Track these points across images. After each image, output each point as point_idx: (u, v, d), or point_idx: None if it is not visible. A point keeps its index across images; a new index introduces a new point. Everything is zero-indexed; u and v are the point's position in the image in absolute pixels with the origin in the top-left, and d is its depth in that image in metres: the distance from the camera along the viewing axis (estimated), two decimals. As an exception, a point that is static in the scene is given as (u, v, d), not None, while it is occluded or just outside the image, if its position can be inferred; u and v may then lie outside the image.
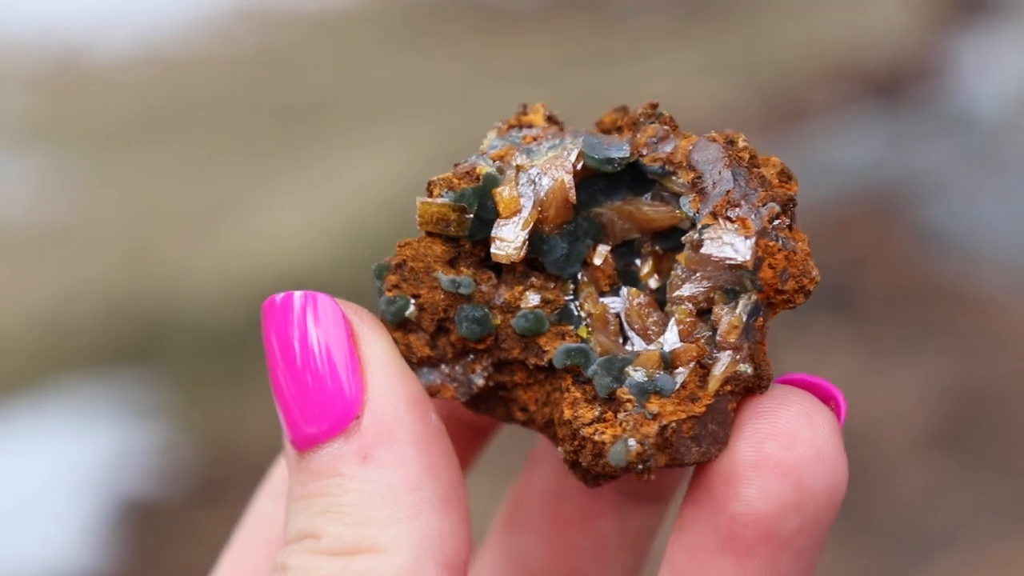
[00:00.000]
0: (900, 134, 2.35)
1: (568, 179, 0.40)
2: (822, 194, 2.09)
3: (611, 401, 0.40)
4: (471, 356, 0.41)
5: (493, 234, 0.40)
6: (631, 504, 0.47)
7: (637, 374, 0.39)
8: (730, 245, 0.39)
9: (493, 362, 0.41)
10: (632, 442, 0.38)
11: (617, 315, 0.41)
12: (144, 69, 2.94)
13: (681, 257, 0.40)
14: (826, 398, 0.41)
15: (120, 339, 1.91)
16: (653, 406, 0.39)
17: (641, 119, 0.41)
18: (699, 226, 0.40)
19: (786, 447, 0.38)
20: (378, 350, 0.39)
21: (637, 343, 0.41)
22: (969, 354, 1.76)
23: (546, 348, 0.41)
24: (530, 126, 0.42)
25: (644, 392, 0.39)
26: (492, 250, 0.40)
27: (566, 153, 0.40)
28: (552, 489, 0.48)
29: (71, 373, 1.83)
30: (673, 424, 0.39)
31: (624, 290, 0.41)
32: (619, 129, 0.42)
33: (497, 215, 0.40)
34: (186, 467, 1.67)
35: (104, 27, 3.10)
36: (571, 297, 0.41)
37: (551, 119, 0.42)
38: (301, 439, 0.39)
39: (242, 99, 2.75)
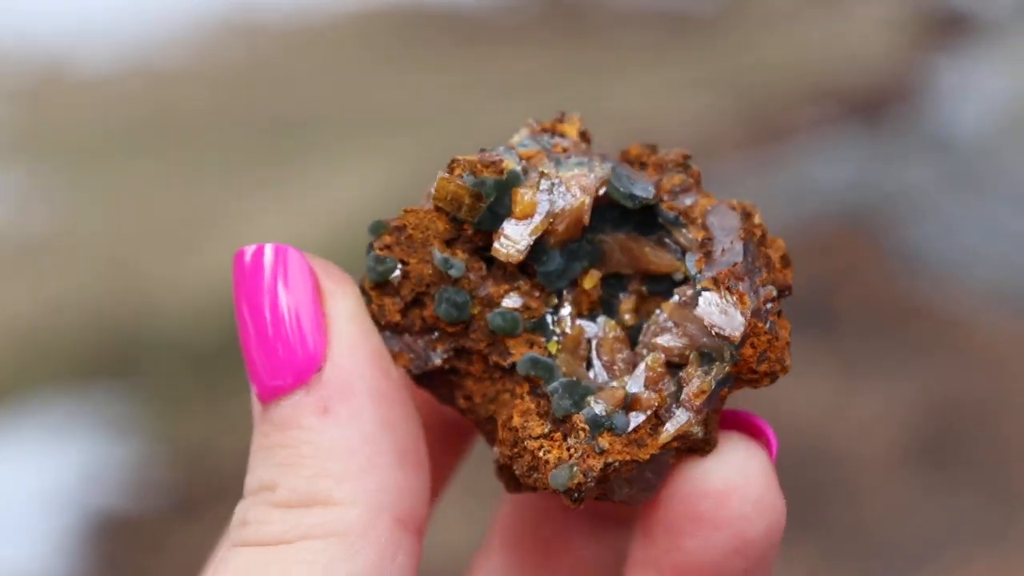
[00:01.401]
0: (879, 154, 2.36)
1: (588, 201, 0.41)
2: (801, 213, 2.10)
3: (563, 423, 0.40)
4: (436, 334, 0.42)
5: (500, 230, 0.40)
6: (607, 527, 0.47)
7: (597, 407, 0.40)
8: (724, 315, 0.39)
9: (455, 347, 0.42)
10: (576, 469, 0.39)
11: (588, 341, 0.42)
12: (127, 82, 2.93)
13: (667, 306, 0.41)
14: (756, 434, 0.41)
15: (98, 353, 1.91)
16: (604, 441, 0.39)
17: (670, 165, 0.42)
18: (698, 286, 0.40)
19: (721, 504, 0.39)
20: (343, 306, 0.40)
21: (600, 374, 0.41)
22: (945, 373, 1.77)
23: (512, 351, 0.41)
24: (563, 135, 0.42)
25: (599, 425, 0.40)
26: (495, 245, 0.40)
27: (593, 176, 0.41)
28: (533, 512, 0.48)
29: (48, 386, 1.83)
30: (616, 463, 0.39)
31: (602, 319, 0.42)
32: (643, 165, 0.43)
33: (510, 213, 0.40)
34: (162, 481, 1.67)
35: (87, 39, 3.09)
36: (551, 311, 0.42)
37: (583, 135, 0.43)
38: (266, 391, 0.39)
39: (225, 112, 2.75)
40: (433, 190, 0.40)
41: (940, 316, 1.88)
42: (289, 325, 0.39)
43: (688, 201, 0.42)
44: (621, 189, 0.41)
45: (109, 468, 1.68)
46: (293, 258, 0.40)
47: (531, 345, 0.41)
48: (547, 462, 0.39)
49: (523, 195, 0.40)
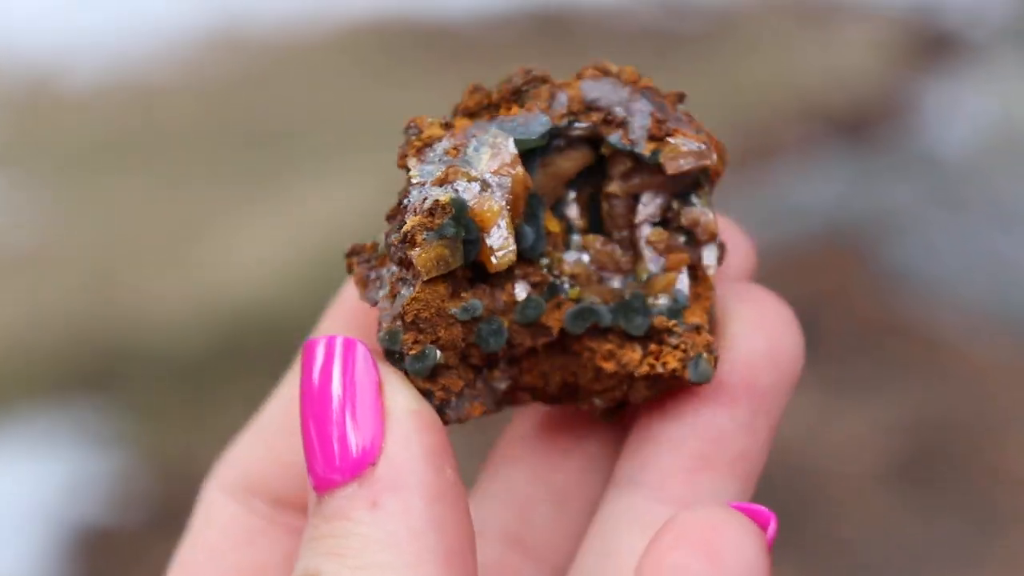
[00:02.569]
0: (866, 174, 2.36)
1: (521, 170, 0.41)
2: (787, 232, 2.10)
3: (650, 336, 0.41)
4: (486, 368, 0.42)
5: (488, 248, 0.41)
6: (616, 426, 0.49)
7: (662, 300, 0.41)
8: (694, 156, 0.42)
9: (507, 362, 0.42)
10: (704, 356, 0.41)
11: (588, 265, 0.43)
12: (114, 95, 2.93)
13: (617, 189, 0.43)
14: None
15: (80, 365, 1.90)
16: (692, 319, 0.41)
17: (524, 87, 0.43)
18: (648, 152, 0.42)
19: (759, 300, 0.44)
20: (402, 399, 0.40)
21: (616, 281, 0.42)
22: (929, 394, 1.77)
23: (549, 324, 0.42)
24: (437, 139, 0.42)
25: (676, 312, 0.41)
26: (493, 262, 0.41)
27: (503, 148, 0.41)
28: (537, 424, 0.49)
29: (30, 398, 1.82)
30: (707, 327, 0.42)
31: (577, 239, 0.43)
32: (496, 106, 0.43)
33: (479, 230, 0.41)
34: (144, 494, 1.66)
35: (74, 53, 3.09)
36: (549, 271, 0.43)
37: (445, 124, 0.43)
38: (320, 483, 0.40)
39: (212, 126, 2.75)
40: (420, 268, 0.40)
41: (925, 336, 1.89)
42: (347, 418, 0.40)
43: (564, 100, 0.43)
44: (530, 137, 0.42)
45: (91, 481, 1.67)
46: (359, 351, 0.40)
47: (559, 307, 0.42)
48: (675, 369, 0.41)
49: (479, 208, 0.40)
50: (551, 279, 0.42)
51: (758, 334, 0.43)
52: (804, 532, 1.55)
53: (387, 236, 0.41)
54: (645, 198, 0.43)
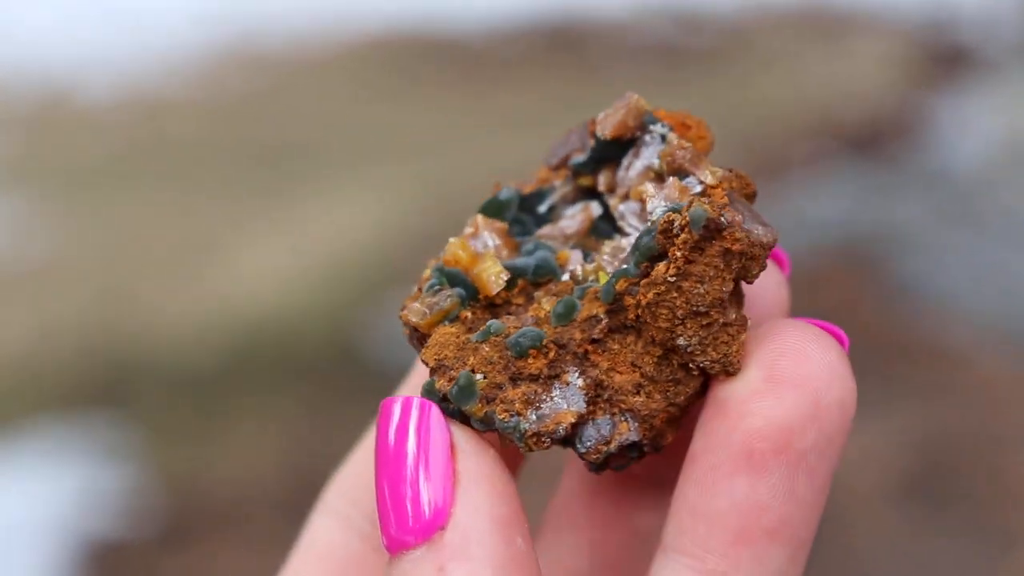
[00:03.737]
0: (876, 189, 2.36)
1: (482, 220, 0.45)
2: (798, 247, 2.10)
3: (663, 249, 0.42)
4: (555, 374, 0.42)
5: (482, 277, 0.43)
6: (667, 495, 0.47)
7: (658, 210, 0.43)
8: (618, 107, 0.46)
9: (572, 362, 0.42)
10: (696, 204, 0.40)
11: (596, 258, 0.45)
12: (125, 112, 2.94)
13: (609, 196, 0.46)
14: (828, 331, 0.41)
15: (92, 380, 1.91)
16: (708, 178, 0.43)
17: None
18: (592, 142, 0.46)
19: (799, 362, 0.39)
20: (475, 467, 0.40)
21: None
22: (939, 408, 1.77)
23: (594, 313, 0.42)
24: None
25: (677, 208, 0.42)
26: (490, 285, 0.43)
27: (471, 219, 0.45)
28: (588, 489, 0.49)
29: (42, 413, 1.82)
30: (711, 173, 0.43)
31: (576, 253, 0.45)
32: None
33: (465, 271, 0.43)
34: (154, 508, 1.66)
35: (87, 69, 3.10)
36: (577, 281, 0.44)
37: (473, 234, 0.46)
38: (392, 543, 0.39)
39: (222, 142, 2.76)
40: (417, 322, 0.43)
41: (935, 350, 1.88)
42: (420, 479, 0.39)
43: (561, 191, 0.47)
44: (497, 200, 0.46)
45: (102, 495, 1.67)
46: (434, 415, 0.40)
47: (596, 298, 0.42)
48: (686, 239, 0.40)
49: (453, 257, 0.44)
50: (572, 287, 0.44)
51: (794, 392, 0.39)
52: (814, 547, 1.54)
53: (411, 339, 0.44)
54: (620, 177, 0.46)
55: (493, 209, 0.46)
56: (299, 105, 2.96)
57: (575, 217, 0.46)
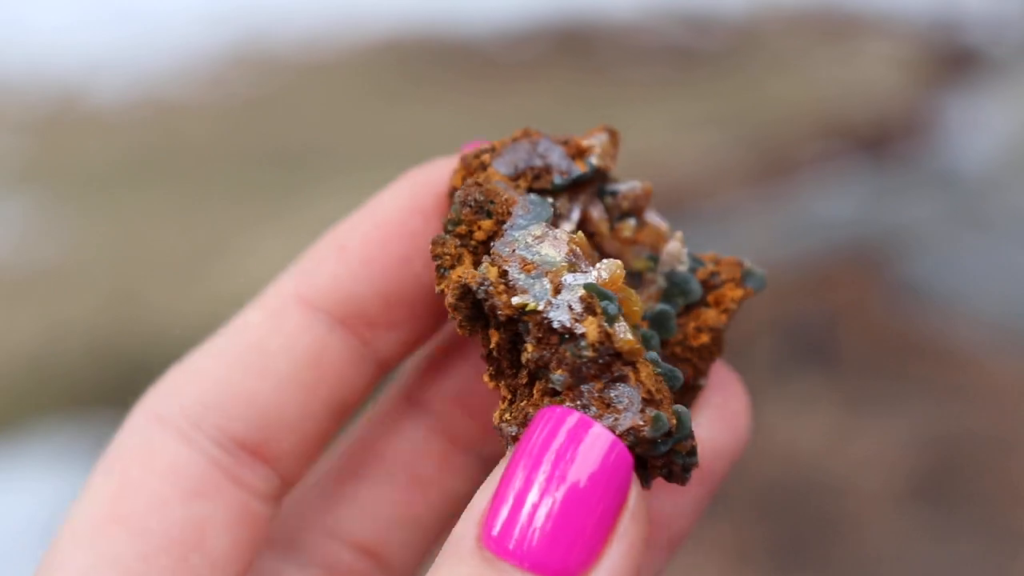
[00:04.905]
0: (885, 189, 2.36)
1: (580, 233, 0.44)
2: (806, 247, 2.10)
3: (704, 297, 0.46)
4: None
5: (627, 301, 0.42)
6: (480, 470, 0.50)
7: (685, 261, 0.47)
8: (600, 142, 0.48)
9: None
10: (747, 266, 0.46)
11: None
12: (136, 113, 2.95)
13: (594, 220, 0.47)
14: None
15: (101, 381, 1.91)
16: (706, 259, 0.47)
17: (478, 204, 0.45)
18: (584, 168, 0.46)
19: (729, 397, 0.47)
20: (635, 531, 0.38)
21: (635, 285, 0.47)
22: (947, 410, 1.76)
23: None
24: (501, 274, 0.43)
25: (698, 261, 0.47)
26: (635, 310, 0.42)
27: (548, 232, 0.43)
28: (406, 448, 0.51)
29: (51, 414, 1.83)
30: (715, 256, 0.47)
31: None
32: (469, 234, 0.44)
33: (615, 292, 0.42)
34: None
35: (97, 71, 3.11)
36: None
37: (477, 263, 0.44)
38: (499, 547, 0.37)
39: (232, 144, 2.76)
40: (635, 347, 0.41)
41: (944, 352, 1.88)
42: (572, 517, 0.37)
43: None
44: (548, 212, 0.44)
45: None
46: (621, 457, 0.38)
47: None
48: (743, 294, 0.45)
49: (610, 280, 0.42)
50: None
51: (727, 433, 0.46)
52: (822, 548, 1.54)
53: (577, 372, 0.40)
54: (592, 211, 0.46)
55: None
56: (310, 107, 2.97)
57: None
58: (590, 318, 0.40)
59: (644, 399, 0.39)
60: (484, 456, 0.50)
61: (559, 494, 0.37)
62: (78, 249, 2.35)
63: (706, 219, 2.14)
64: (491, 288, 0.41)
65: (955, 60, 2.95)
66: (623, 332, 0.40)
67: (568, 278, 0.41)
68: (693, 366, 0.44)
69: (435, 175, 0.46)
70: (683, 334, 0.44)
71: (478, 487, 0.41)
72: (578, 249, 0.42)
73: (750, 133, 2.60)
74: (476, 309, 0.42)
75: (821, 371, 1.80)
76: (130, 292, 2.16)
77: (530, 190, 0.45)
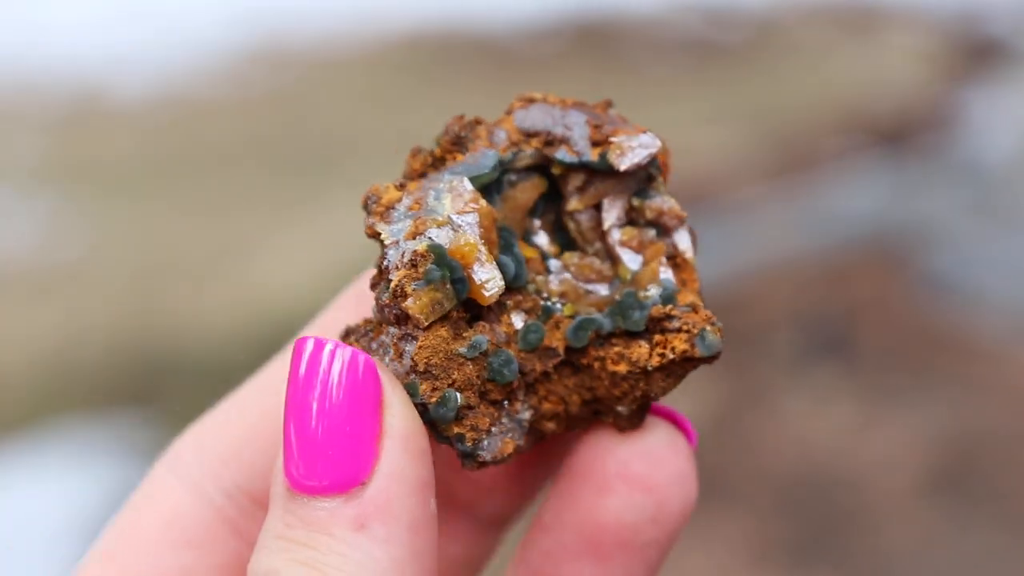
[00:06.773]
0: (906, 183, 2.35)
1: (484, 203, 0.42)
2: (827, 241, 2.09)
3: (649, 329, 0.42)
4: (506, 401, 0.42)
5: (479, 283, 0.41)
6: (473, 530, 0.49)
7: (652, 291, 0.43)
8: (642, 147, 0.43)
9: (524, 390, 0.43)
10: (708, 329, 0.42)
11: (572, 281, 0.44)
12: (157, 113, 2.96)
13: (578, 204, 0.44)
14: (678, 425, 0.45)
15: (122, 380, 1.92)
16: (685, 300, 0.43)
17: (463, 133, 0.44)
18: (596, 157, 0.43)
19: (651, 468, 0.43)
20: (401, 423, 0.39)
21: (603, 289, 0.44)
22: (969, 403, 1.76)
23: (553, 344, 0.43)
24: (397, 201, 0.43)
25: (669, 298, 0.43)
26: (485, 295, 0.41)
27: (461, 189, 0.42)
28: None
29: (72, 412, 1.84)
30: (701, 305, 0.43)
31: (555, 263, 0.44)
32: (442, 160, 0.44)
33: (463, 268, 0.41)
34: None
35: (119, 71, 3.12)
36: (539, 295, 0.44)
37: (400, 185, 0.44)
38: (299, 486, 0.38)
39: (254, 143, 2.77)
40: (418, 316, 0.40)
41: (965, 346, 1.87)
42: (341, 432, 0.38)
43: (503, 135, 0.44)
44: (483, 172, 0.43)
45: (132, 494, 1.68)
46: (365, 366, 0.39)
47: (557, 326, 0.43)
48: (685, 350, 0.42)
49: (458, 246, 0.41)
50: (543, 302, 0.44)
51: (643, 496, 0.43)
52: (842, 543, 1.54)
53: (377, 301, 0.41)
54: (606, 204, 0.44)
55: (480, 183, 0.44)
56: (330, 105, 2.97)
57: (525, 191, 0.45)
58: (405, 271, 0.40)
59: (411, 365, 0.40)
60: (480, 518, 0.50)
61: (324, 420, 0.38)
62: (99, 248, 2.35)
63: (727, 213, 2.14)
64: (373, 207, 0.43)
65: (978, 52, 2.93)
66: (422, 300, 0.40)
67: (433, 231, 0.41)
68: (605, 389, 0.43)
69: None
70: (606, 354, 0.43)
71: (475, 551, 0.44)
72: (475, 217, 0.41)
73: (771, 127, 2.60)
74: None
75: (841, 365, 1.79)
76: (149, 291, 2.17)
77: (542, 157, 0.45)
